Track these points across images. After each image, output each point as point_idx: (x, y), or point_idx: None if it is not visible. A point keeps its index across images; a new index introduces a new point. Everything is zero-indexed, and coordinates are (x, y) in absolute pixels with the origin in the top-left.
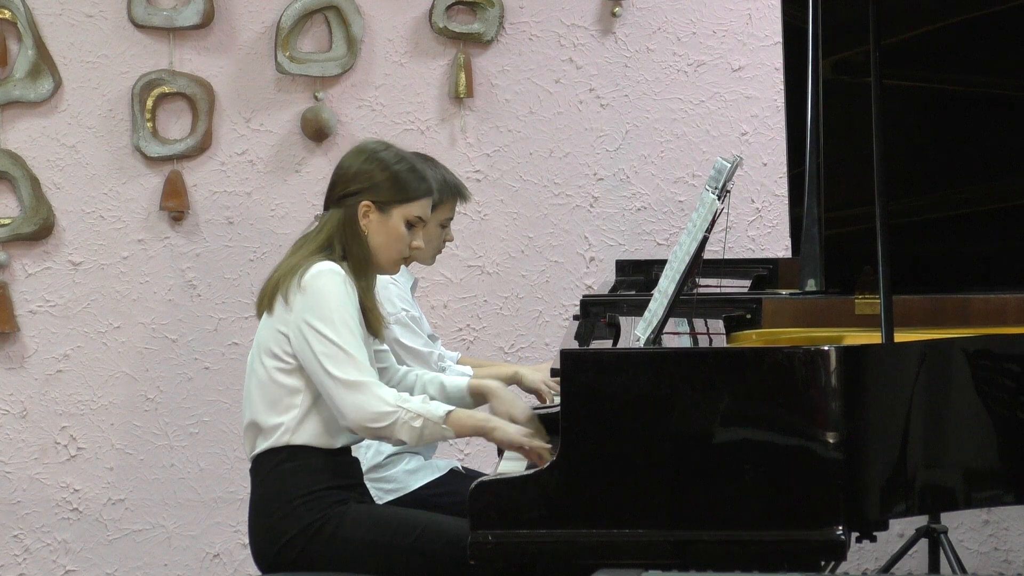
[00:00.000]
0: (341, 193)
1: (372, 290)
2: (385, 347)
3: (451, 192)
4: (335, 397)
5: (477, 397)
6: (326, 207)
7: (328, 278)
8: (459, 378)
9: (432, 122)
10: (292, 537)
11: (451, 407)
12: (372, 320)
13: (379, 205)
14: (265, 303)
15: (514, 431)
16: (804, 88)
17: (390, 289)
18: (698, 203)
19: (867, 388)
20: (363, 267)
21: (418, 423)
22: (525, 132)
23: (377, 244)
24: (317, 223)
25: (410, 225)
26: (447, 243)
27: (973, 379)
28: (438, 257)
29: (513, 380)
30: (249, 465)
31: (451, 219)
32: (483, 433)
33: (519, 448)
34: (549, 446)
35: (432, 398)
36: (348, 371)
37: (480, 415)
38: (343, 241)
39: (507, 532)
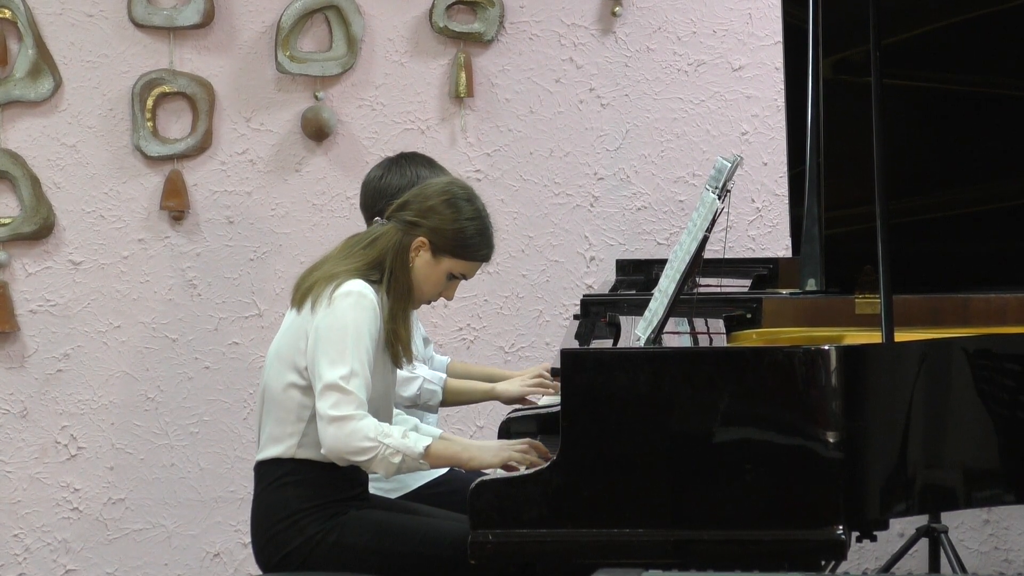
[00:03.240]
0: (407, 217)
1: (408, 324)
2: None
3: None
4: (320, 426)
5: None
6: (387, 216)
7: (357, 301)
8: (433, 428)
9: (432, 122)
10: (295, 548)
11: (429, 441)
12: (396, 348)
13: (434, 247)
14: (297, 299)
15: (488, 456)
16: (804, 88)
17: None
18: (698, 203)
19: (867, 388)
20: (405, 298)
21: (397, 459)
22: (525, 132)
23: (415, 279)
24: (373, 227)
25: (451, 276)
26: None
27: (973, 379)
28: None
29: (488, 396)
30: (250, 464)
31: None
32: (459, 464)
33: (498, 467)
34: (523, 456)
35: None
36: (339, 407)
37: (455, 447)
38: (392, 266)
39: (507, 531)
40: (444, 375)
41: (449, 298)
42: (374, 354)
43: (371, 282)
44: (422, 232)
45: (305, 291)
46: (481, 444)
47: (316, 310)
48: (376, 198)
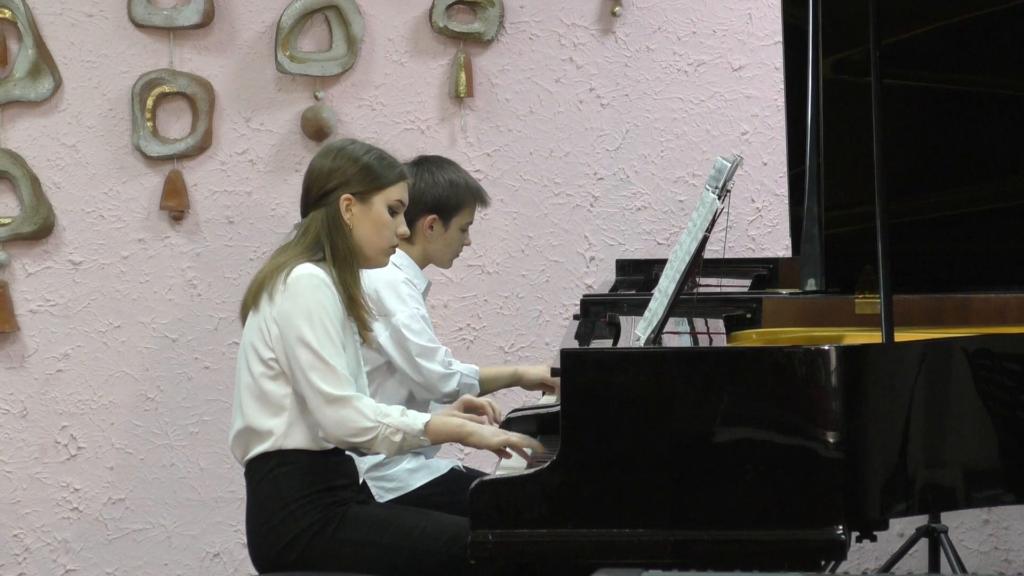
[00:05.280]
0: (318, 194)
1: (359, 284)
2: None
3: (472, 196)
4: (316, 410)
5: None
6: (304, 213)
7: (310, 282)
8: (423, 415)
9: (432, 122)
10: (291, 540)
11: (428, 417)
12: (359, 313)
13: (359, 196)
14: (251, 302)
15: (489, 433)
16: (804, 88)
17: (401, 288)
18: (698, 202)
19: (867, 388)
20: (350, 261)
21: (398, 437)
22: (525, 132)
23: (364, 235)
24: (297, 230)
25: (392, 212)
26: (464, 246)
27: (973, 379)
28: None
29: (515, 379)
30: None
31: (471, 223)
32: (460, 438)
33: (496, 450)
34: (524, 440)
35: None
36: (333, 385)
37: (456, 421)
38: (330, 239)
39: (507, 531)
40: (476, 367)
41: (405, 233)
42: (341, 329)
43: (316, 262)
44: (341, 192)
45: (256, 290)
46: (482, 424)
47: (274, 299)
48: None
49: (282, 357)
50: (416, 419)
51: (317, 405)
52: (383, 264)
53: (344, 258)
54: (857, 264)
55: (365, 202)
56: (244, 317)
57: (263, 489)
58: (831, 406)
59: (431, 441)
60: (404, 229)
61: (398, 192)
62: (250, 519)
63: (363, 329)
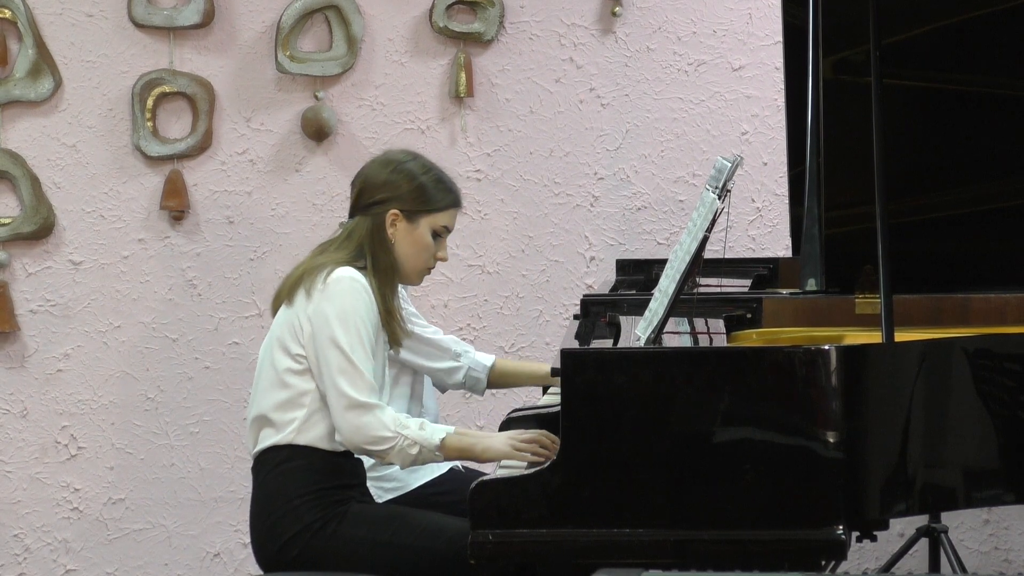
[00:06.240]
0: (368, 202)
1: (395, 297)
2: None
3: None
4: (337, 412)
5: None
6: (351, 215)
7: (350, 286)
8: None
9: (432, 122)
10: (293, 535)
11: (445, 432)
12: (393, 326)
13: (407, 214)
14: (285, 295)
15: (499, 444)
16: (804, 88)
17: None
18: (698, 202)
19: (867, 388)
20: (389, 275)
21: (414, 450)
22: (525, 131)
23: (403, 253)
24: (342, 230)
25: (436, 235)
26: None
27: (973, 379)
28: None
29: (539, 375)
30: (250, 463)
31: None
32: (472, 456)
33: (510, 456)
34: (538, 437)
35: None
36: (358, 390)
37: (468, 438)
38: (372, 249)
39: (507, 531)
40: (491, 360)
41: (444, 258)
42: (374, 336)
43: (358, 269)
44: (390, 207)
45: (293, 285)
46: (492, 435)
47: (312, 297)
48: None
49: (311, 355)
50: (434, 434)
51: (338, 408)
52: (416, 283)
53: (385, 270)
54: (857, 264)
55: (412, 221)
56: (275, 308)
57: (270, 483)
58: (831, 406)
59: (444, 458)
60: (444, 253)
61: (446, 218)
62: (254, 513)
63: (393, 343)
